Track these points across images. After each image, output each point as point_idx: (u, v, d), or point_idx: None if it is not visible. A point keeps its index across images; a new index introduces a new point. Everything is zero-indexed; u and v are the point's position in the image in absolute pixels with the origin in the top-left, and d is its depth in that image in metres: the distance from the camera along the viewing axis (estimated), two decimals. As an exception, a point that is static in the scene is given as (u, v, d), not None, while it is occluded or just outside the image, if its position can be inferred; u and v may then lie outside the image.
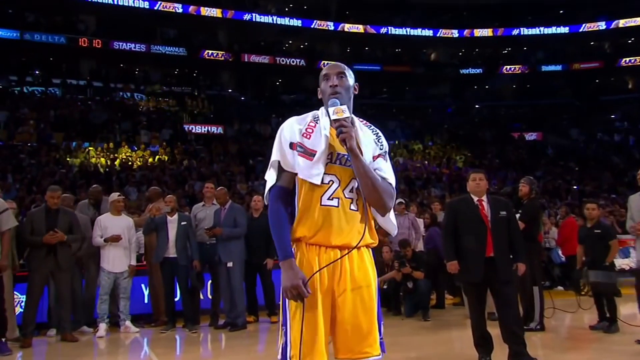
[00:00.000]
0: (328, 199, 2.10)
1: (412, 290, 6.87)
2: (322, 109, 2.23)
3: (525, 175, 6.38)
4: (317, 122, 2.20)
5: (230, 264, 6.19)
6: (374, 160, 2.18)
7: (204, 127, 23.01)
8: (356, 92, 2.27)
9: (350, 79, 2.25)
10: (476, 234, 4.25)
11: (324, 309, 2.05)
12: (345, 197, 2.12)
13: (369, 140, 2.21)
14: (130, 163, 16.68)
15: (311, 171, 2.10)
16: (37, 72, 25.12)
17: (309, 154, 2.12)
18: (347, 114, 2.10)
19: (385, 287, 7.16)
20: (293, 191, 2.17)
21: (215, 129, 23.18)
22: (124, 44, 25.95)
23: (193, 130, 22.39)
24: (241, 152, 19.30)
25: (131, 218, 6.62)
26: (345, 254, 2.10)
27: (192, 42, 27.77)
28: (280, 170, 2.18)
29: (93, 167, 15.43)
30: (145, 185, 14.03)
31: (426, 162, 22.15)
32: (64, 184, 12.28)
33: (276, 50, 29.56)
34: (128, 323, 6.19)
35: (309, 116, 2.25)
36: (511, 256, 4.36)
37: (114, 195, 6.42)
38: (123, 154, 17.15)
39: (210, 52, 27.94)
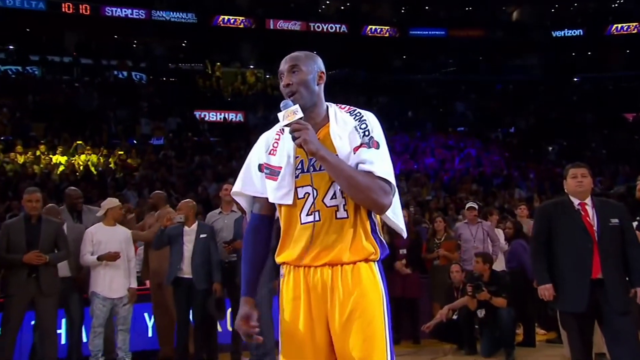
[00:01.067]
0: (307, 214, 2.33)
1: (491, 322, 6.78)
2: None
3: (644, 170, 6.19)
4: (282, 132, 2.43)
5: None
6: (354, 153, 2.32)
7: (220, 114, 23.33)
8: (323, 81, 2.46)
9: (310, 67, 2.43)
10: (578, 249, 4.17)
11: (313, 343, 2.32)
12: (328, 207, 2.33)
13: (347, 131, 2.37)
14: (128, 160, 17.05)
15: (279, 192, 2.37)
16: (10, 47, 25.80)
17: (274, 173, 2.39)
18: (299, 114, 2.28)
19: (455, 317, 7.11)
20: (272, 220, 2.48)
21: (234, 117, 23.47)
22: (119, 10, 26.49)
23: (206, 118, 22.72)
24: (267, 145, 19.45)
25: (127, 229, 6.72)
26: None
27: (204, 6, 28.16)
28: (253, 198, 2.50)
29: (83, 167, 15.85)
30: (146, 188, 14.34)
31: (507, 154, 21.78)
32: (46, 188, 12.67)
33: (310, 14, 29.69)
34: (128, 362, 6.31)
35: (276, 128, 2.49)
36: (627, 278, 4.27)
37: (113, 202, 6.54)
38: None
39: (226, 17, 28.29)
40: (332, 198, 2.32)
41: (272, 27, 28.77)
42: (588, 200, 4.31)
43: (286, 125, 2.30)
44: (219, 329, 7.01)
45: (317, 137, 2.31)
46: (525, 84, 30.27)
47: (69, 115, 19.89)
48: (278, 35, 28.79)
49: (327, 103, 2.49)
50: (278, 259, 2.44)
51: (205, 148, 19.02)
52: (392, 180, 2.32)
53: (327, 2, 30.82)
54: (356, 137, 2.34)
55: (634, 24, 30.67)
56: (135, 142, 19.28)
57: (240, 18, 28.46)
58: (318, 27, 29.50)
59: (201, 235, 6.44)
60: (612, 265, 4.16)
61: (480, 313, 6.86)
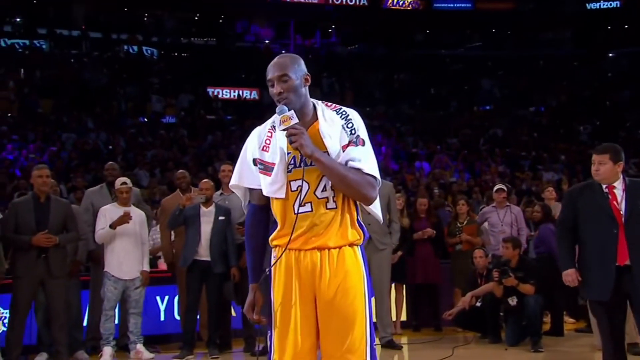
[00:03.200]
0: (300, 205, 2.67)
1: (518, 309, 6.79)
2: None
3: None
4: (274, 130, 2.76)
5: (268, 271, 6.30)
6: (343, 151, 2.68)
7: (235, 91, 23.35)
8: (308, 83, 2.78)
9: (297, 73, 2.74)
10: (603, 235, 4.17)
11: (303, 316, 2.67)
12: (319, 198, 2.68)
13: (336, 130, 2.71)
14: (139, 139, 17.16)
15: (273, 187, 2.71)
16: (17, 19, 25.84)
17: (268, 169, 2.72)
18: (294, 119, 2.61)
19: (478, 304, 7.12)
20: (268, 205, 2.79)
21: (249, 94, 23.49)
22: (129, -18, 26.46)
23: (220, 96, 22.75)
24: (283, 123, 19.45)
25: (142, 210, 6.82)
26: (283, 252, 2.69)
27: (218, -23, 28.04)
28: (248, 189, 2.83)
29: (92, 144, 16.00)
30: (158, 168, 14.44)
31: (535, 134, 21.59)
32: (55, 166, 12.83)
33: (329, -15, 29.43)
34: (140, 347, 6.40)
35: (268, 124, 2.83)
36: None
37: (118, 182, 6.64)
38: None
39: (240, -11, 28.11)
40: (322, 191, 2.68)
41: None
42: (617, 184, 4.28)
43: (283, 130, 2.63)
44: (233, 313, 7.11)
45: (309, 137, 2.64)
46: (557, 59, 29.86)
47: (77, 92, 20.00)
48: (294, 8, 28.61)
49: (313, 101, 2.81)
50: (272, 243, 2.77)
51: (219, 126, 19.07)
52: (378, 175, 2.69)
53: (347, -27, 30.55)
54: (344, 136, 2.70)
55: (676, -6, 30.08)
56: (146, 120, 19.37)
57: (256, -11, 28.27)
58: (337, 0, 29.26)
59: (220, 217, 6.52)
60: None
61: (512, 301, 6.82)
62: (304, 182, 2.68)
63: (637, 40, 30.63)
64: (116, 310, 6.48)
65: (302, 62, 2.81)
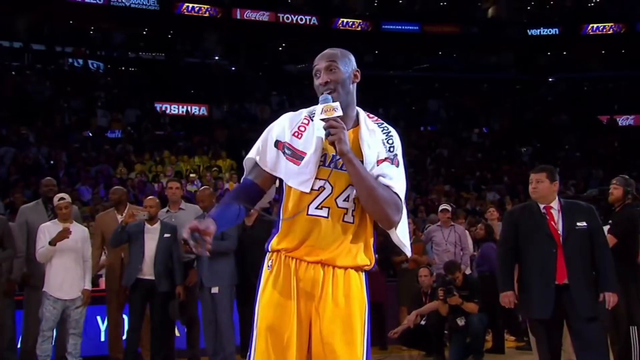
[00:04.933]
0: (316, 207, 2.42)
1: (462, 327, 6.86)
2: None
3: (618, 174, 6.34)
4: (311, 120, 2.52)
5: (215, 290, 6.23)
6: (378, 165, 2.44)
7: (182, 107, 23.11)
8: (357, 80, 2.55)
9: (347, 66, 2.52)
10: (542, 254, 4.27)
11: (298, 345, 2.38)
12: (338, 207, 2.43)
13: (376, 141, 2.49)
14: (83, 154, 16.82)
15: (300, 177, 2.43)
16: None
17: (297, 157, 2.45)
18: (338, 112, 2.37)
19: (423, 322, 7.15)
20: (261, 194, 2.54)
21: (197, 110, 23.27)
22: (75, -7, 26.09)
23: (168, 111, 22.48)
24: (231, 140, 19.39)
25: (84, 227, 6.66)
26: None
27: (167, -8, 27.92)
28: (255, 166, 2.54)
29: (33, 159, 15.58)
30: (102, 183, 14.14)
31: (479, 155, 22.06)
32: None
33: (279, 4, 29.61)
34: (79, 368, 6.23)
35: (304, 112, 2.58)
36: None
37: (56, 198, 6.41)
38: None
39: (190, 5, 28.05)
40: (344, 200, 2.44)
41: (238, 16, 28.63)
42: (554, 204, 4.40)
43: (323, 119, 2.38)
44: (177, 333, 6.98)
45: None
46: (500, 82, 30.70)
47: (19, 105, 19.52)
48: (245, 26, 28.67)
49: (356, 107, 2.58)
50: (272, 246, 2.49)
51: (165, 142, 18.83)
52: (404, 200, 2.47)
53: (297, -8, 30.81)
54: (382, 150, 2.48)
55: (610, 24, 31.34)
56: (90, 134, 19.00)
57: (206, 6, 28.23)
58: (287, 18, 29.44)
59: (165, 235, 6.42)
60: (578, 269, 4.24)
61: (461, 321, 6.85)
62: (327, 183, 2.43)
63: (575, 66, 31.79)
64: (54, 330, 6.29)
65: (352, 57, 2.58)
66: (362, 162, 2.43)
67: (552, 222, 4.33)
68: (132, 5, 27.03)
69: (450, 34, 31.03)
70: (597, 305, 4.30)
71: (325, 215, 2.42)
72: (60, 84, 22.11)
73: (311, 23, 29.45)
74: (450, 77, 30.55)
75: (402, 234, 2.52)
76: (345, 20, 29.87)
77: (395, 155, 2.50)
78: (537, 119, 26.10)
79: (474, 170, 19.89)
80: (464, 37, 31.11)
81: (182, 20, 28.02)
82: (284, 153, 2.49)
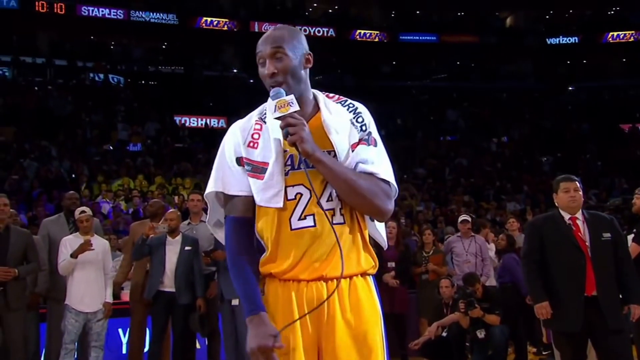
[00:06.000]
0: (299, 219, 2.09)
1: (483, 340, 6.80)
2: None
3: (640, 183, 6.28)
4: (264, 122, 2.17)
5: (235, 302, 6.22)
6: (353, 150, 2.12)
7: (202, 120, 23.29)
8: (310, 65, 2.21)
9: (296, 50, 2.16)
10: (570, 266, 4.21)
11: None
12: (324, 210, 2.09)
13: (343, 124, 2.16)
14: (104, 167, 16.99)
15: (267, 193, 2.09)
16: (-21, 46, 25.65)
17: (259, 170, 2.11)
18: (294, 106, 2.05)
19: (444, 334, 7.10)
20: (253, 218, 2.16)
21: (216, 122, 23.42)
22: (96, 9, 26.37)
23: (187, 124, 22.66)
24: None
25: (105, 240, 6.72)
26: (331, 294, 2.07)
27: (186, 7, 28.17)
28: (227, 199, 2.17)
29: (55, 173, 15.76)
30: (122, 196, 14.26)
31: (499, 164, 21.93)
32: (17, 195, 12.58)
33: (296, 17, 29.77)
34: (101, 380, 6.26)
35: (253, 116, 2.22)
36: (621, 295, 4.31)
37: (78, 211, 6.48)
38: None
39: (208, 19, 28.31)
40: (328, 200, 2.11)
41: (256, 29, 28.77)
42: (579, 215, 4.35)
43: (278, 118, 2.06)
44: (198, 345, 6.99)
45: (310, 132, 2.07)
46: (519, 91, 30.52)
47: (41, 120, 19.79)
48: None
49: (312, 90, 2.25)
50: (262, 271, 2.15)
51: (185, 154, 18.97)
52: (394, 182, 2.16)
53: (315, 4, 30.92)
54: (354, 132, 2.16)
55: (631, 32, 31.04)
56: (111, 148, 19.19)
57: (224, 20, 28.48)
58: (304, 30, 29.53)
59: (186, 248, 6.44)
60: (606, 281, 4.20)
61: (480, 334, 6.80)
62: (303, 187, 2.10)
63: (595, 74, 31.53)
64: (76, 343, 6.33)
65: (303, 36, 2.21)
66: (333, 152, 2.11)
67: (579, 233, 4.29)
68: (152, 20, 27.30)
69: (468, 43, 30.95)
70: (622, 317, 4.26)
71: (312, 224, 2.08)
72: (81, 98, 22.38)
73: (329, 35, 29.53)
74: (469, 87, 30.45)
75: (379, 225, 2.25)
76: (362, 31, 29.93)
77: (370, 133, 2.17)
78: (557, 128, 25.90)
79: (494, 180, 19.77)
80: (482, 46, 31.01)
81: (201, 34, 28.26)
82: (246, 170, 2.15)
